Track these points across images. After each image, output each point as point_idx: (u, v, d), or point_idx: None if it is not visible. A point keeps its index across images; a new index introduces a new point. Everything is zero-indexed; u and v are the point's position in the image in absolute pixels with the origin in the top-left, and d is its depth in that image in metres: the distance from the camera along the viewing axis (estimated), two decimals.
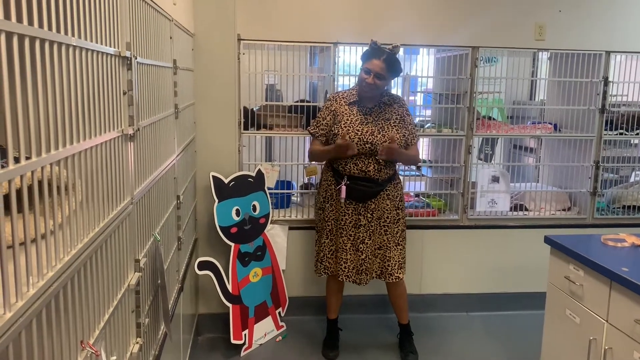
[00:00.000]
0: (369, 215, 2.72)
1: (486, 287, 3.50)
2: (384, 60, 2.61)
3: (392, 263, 2.76)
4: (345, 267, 2.75)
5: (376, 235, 2.75)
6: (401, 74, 2.80)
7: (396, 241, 2.78)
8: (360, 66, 2.71)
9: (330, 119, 2.72)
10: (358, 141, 2.62)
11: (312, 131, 2.79)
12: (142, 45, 1.56)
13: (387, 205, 2.74)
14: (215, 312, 3.11)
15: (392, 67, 2.63)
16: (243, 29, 3.01)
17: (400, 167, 3.75)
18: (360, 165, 2.65)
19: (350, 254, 2.74)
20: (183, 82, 2.44)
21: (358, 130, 2.64)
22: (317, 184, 2.99)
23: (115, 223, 1.24)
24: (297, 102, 3.19)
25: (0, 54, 0.68)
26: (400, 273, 2.79)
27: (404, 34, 3.17)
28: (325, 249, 2.80)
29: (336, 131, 2.67)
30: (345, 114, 2.69)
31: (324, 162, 2.89)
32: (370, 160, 2.65)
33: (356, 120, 2.67)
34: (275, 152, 3.60)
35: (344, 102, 2.73)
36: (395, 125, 2.68)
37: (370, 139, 2.62)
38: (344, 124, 2.66)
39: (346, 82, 3.28)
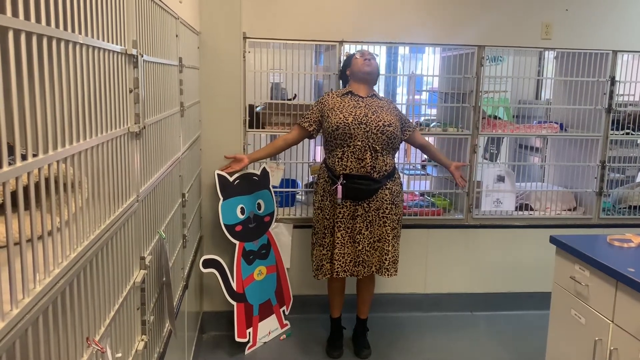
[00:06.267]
0: (365, 205, 2.71)
1: (491, 287, 3.50)
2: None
3: (389, 257, 2.74)
4: (342, 262, 2.72)
5: (375, 226, 2.73)
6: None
7: (395, 233, 2.77)
8: (351, 63, 2.83)
9: (318, 110, 2.80)
10: (352, 120, 2.65)
11: (299, 121, 2.86)
12: (149, 43, 1.56)
13: (386, 195, 2.72)
14: (219, 310, 3.12)
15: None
16: (248, 27, 3.01)
17: (405, 167, 3.76)
18: (357, 154, 2.65)
19: (347, 247, 2.72)
20: (189, 80, 2.44)
21: (352, 112, 2.69)
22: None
23: (121, 220, 1.24)
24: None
25: (8, 52, 0.69)
26: (395, 270, 2.77)
27: (410, 33, 3.17)
28: (325, 251, 2.77)
29: (328, 115, 2.70)
30: (337, 102, 2.75)
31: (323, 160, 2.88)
32: (366, 147, 2.65)
33: (349, 105, 2.72)
34: None
35: (336, 95, 2.80)
36: (388, 112, 2.74)
37: (364, 119, 2.65)
38: (337, 108, 2.71)
39: None
